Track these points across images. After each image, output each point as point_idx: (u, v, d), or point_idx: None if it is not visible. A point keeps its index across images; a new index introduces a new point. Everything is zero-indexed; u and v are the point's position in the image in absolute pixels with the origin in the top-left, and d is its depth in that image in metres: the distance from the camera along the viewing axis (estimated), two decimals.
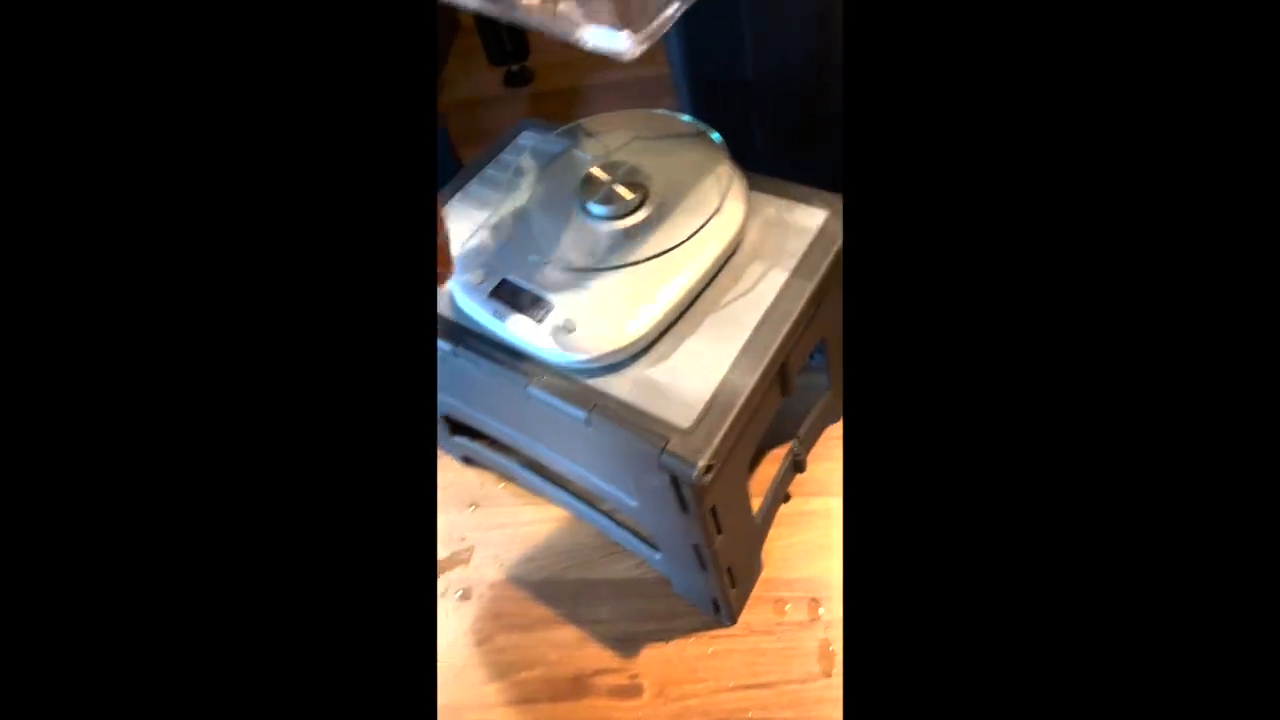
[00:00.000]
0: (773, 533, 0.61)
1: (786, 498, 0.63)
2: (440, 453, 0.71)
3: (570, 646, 0.59)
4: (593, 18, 0.34)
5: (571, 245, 0.49)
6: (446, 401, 0.60)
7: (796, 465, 0.63)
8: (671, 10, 0.35)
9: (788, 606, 0.58)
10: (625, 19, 0.33)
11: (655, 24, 0.35)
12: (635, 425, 0.43)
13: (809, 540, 0.61)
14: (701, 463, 0.41)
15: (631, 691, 0.57)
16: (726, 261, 0.49)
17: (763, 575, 0.60)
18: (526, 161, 0.56)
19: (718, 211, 0.48)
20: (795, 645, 0.56)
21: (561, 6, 0.35)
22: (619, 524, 0.59)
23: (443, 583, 0.64)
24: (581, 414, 0.44)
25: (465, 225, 0.54)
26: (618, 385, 0.45)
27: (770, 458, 0.64)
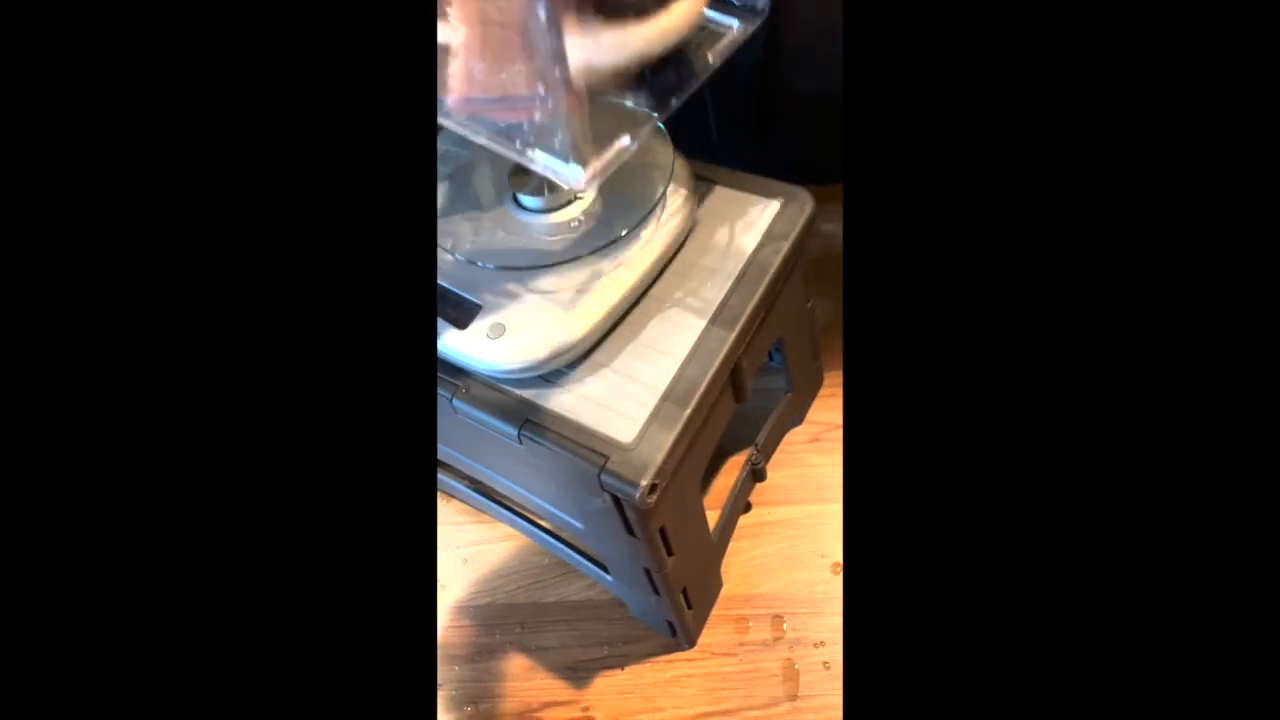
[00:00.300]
0: (733, 545, 0.57)
1: (747, 508, 0.59)
2: None
3: (517, 678, 0.55)
4: (547, 148, 0.33)
5: (501, 241, 0.44)
6: None
7: (756, 474, 0.59)
8: (624, 144, 0.34)
9: (750, 624, 0.54)
10: (577, 152, 0.32)
11: (608, 157, 0.33)
12: (572, 442, 0.39)
13: (772, 552, 0.57)
14: (645, 482, 0.36)
15: None
16: (673, 257, 0.45)
17: (723, 591, 0.56)
18: (453, 149, 0.51)
19: (662, 203, 0.44)
20: (758, 667, 0.53)
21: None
22: (567, 545, 0.55)
23: None
24: (512, 430, 0.40)
25: None
26: (554, 397, 0.41)
27: (728, 466, 0.60)
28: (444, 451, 0.52)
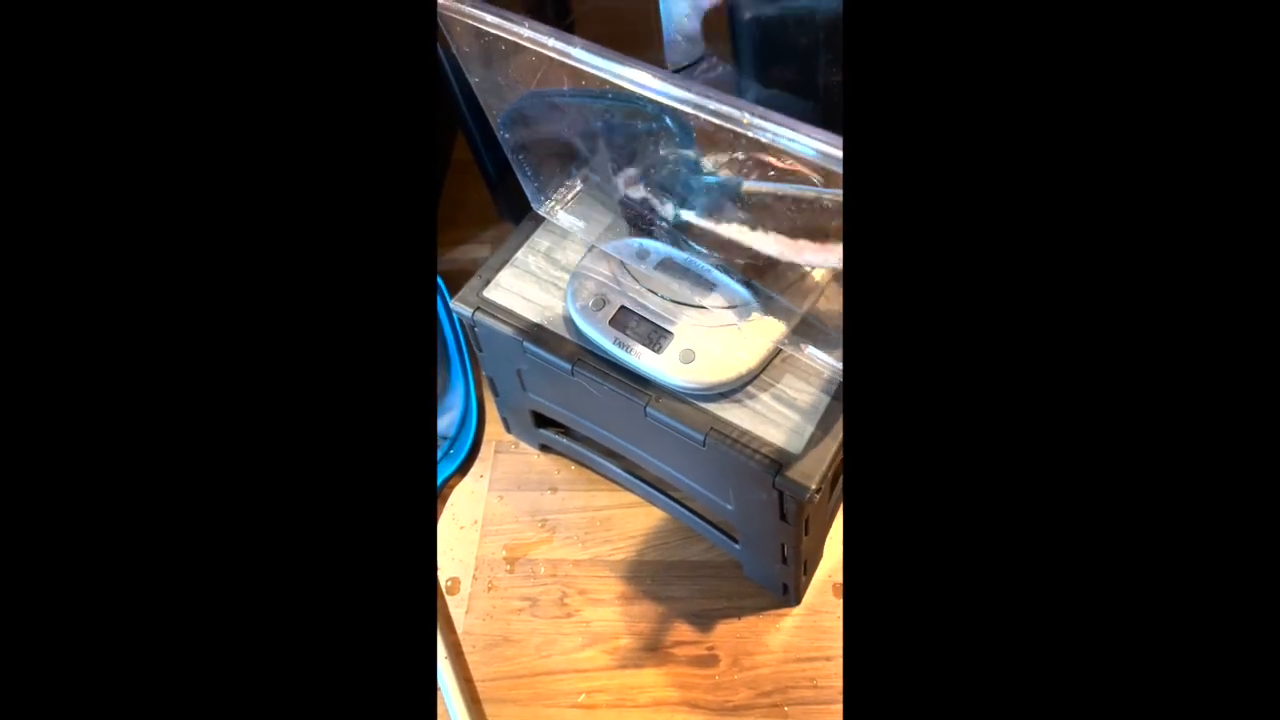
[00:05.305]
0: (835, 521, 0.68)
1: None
2: (518, 441, 0.77)
3: (651, 620, 0.66)
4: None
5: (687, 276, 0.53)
6: (542, 403, 0.65)
7: None
8: None
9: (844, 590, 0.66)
10: None
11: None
12: (749, 449, 0.49)
13: None
14: (813, 486, 0.47)
15: (709, 661, 0.64)
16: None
17: (822, 562, 0.67)
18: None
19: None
20: None
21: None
22: (697, 515, 0.66)
23: (529, 564, 0.70)
24: (699, 436, 0.50)
25: (576, 248, 0.58)
26: (731, 410, 0.51)
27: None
28: (610, 439, 0.63)
